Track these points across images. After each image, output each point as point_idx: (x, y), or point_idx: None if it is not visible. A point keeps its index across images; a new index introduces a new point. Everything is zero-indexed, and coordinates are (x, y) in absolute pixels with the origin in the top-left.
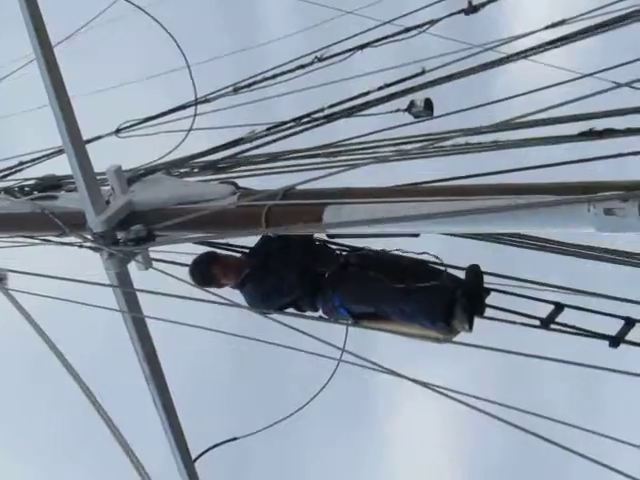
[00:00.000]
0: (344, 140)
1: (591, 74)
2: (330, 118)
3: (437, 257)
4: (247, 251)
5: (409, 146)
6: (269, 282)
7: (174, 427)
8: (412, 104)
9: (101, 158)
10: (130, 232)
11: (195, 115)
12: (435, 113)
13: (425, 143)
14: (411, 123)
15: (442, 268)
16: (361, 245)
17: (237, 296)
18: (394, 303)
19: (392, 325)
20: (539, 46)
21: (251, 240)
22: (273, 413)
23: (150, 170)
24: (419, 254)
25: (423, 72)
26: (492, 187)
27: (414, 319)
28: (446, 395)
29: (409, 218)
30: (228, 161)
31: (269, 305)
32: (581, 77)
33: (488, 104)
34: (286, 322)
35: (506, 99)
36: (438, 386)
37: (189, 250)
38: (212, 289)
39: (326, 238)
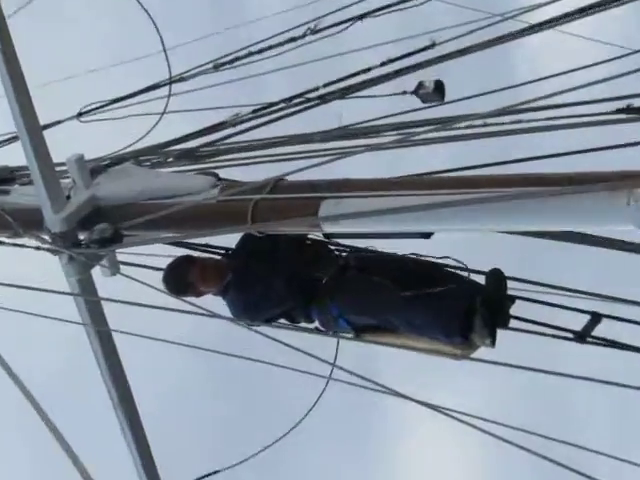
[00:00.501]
0: (342, 125)
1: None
2: (325, 99)
3: (460, 262)
4: (229, 253)
5: (416, 131)
6: (255, 290)
7: (145, 458)
8: (420, 86)
9: (61, 146)
10: (94, 232)
11: (169, 96)
12: (447, 96)
13: (435, 126)
14: (420, 109)
15: (461, 272)
16: (363, 246)
17: (218, 304)
18: (402, 313)
19: (400, 339)
20: (567, 14)
21: (234, 240)
22: (260, 437)
23: (117, 160)
24: (439, 259)
25: (433, 45)
26: (516, 178)
27: (425, 332)
28: (460, 420)
29: (419, 208)
30: (208, 149)
31: (256, 316)
32: (632, 53)
33: (512, 87)
34: (273, 334)
35: (537, 80)
36: (450, 409)
37: (163, 252)
38: (190, 298)
39: (322, 237)
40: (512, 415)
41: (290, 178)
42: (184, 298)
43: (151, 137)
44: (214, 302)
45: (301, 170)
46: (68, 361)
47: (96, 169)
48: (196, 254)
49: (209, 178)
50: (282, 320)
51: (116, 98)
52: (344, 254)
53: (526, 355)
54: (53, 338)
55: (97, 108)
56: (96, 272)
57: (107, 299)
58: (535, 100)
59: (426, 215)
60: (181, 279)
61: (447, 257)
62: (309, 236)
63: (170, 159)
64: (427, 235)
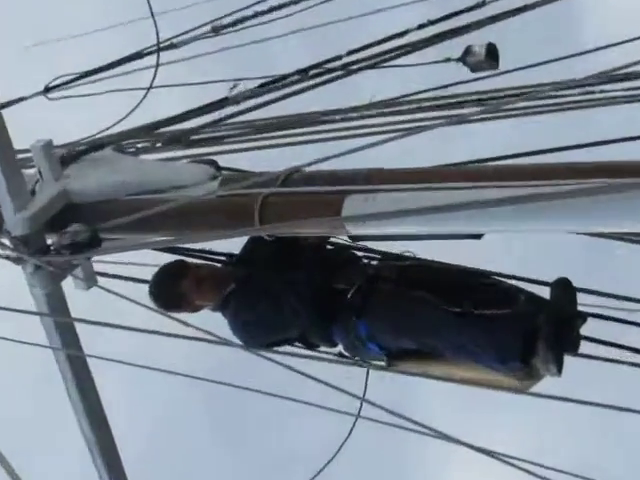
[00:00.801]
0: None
1: None
2: (350, 70)
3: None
4: (231, 259)
5: (465, 111)
6: (262, 305)
7: None
8: (468, 52)
9: (25, 129)
10: (65, 235)
11: (157, 66)
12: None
13: (490, 103)
14: (468, 81)
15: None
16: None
17: (219, 323)
18: (447, 335)
19: (444, 367)
20: None
21: (237, 244)
22: None
23: (94, 145)
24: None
25: (483, 3)
26: (593, 166)
27: (477, 358)
28: (519, 468)
29: (473, 205)
30: (205, 131)
31: (262, 338)
32: None
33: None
34: (287, 360)
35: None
36: (506, 455)
37: (150, 261)
38: (182, 314)
39: (347, 241)
40: (578, 461)
41: (308, 168)
42: (176, 314)
43: (135, 117)
44: (213, 320)
45: (321, 161)
46: (32, 394)
47: (68, 157)
48: (190, 260)
49: (207, 168)
50: (292, 344)
51: (92, 69)
52: (374, 262)
53: (599, 386)
54: (14, 364)
55: (69, 82)
56: (68, 284)
57: (81, 320)
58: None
59: (479, 213)
60: (172, 290)
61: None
62: (330, 239)
63: (159, 144)
64: (477, 236)
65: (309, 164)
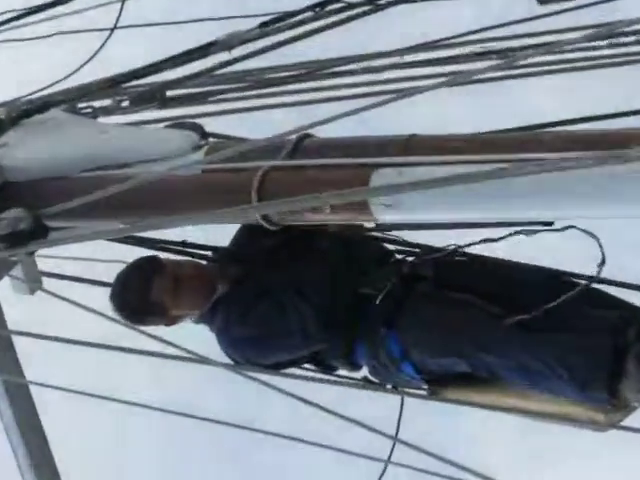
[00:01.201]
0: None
1: None
2: (378, 4)
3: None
4: (220, 254)
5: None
6: (262, 314)
7: None
8: None
9: None
10: (0, 224)
11: (123, 2)
12: None
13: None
14: (531, 18)
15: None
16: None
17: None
18: (506, 352)
19: (502, 396)
20: None
21: (227, 232)
22: None
23: (40, 105)
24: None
25: None
26: None
27: (545, 384)
28: None
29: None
30: (187, 86)
31: (262, 357)
32: None
33: None
34: (294, 387)
35: None
36: None
37: (111, 256)
38: (156, 326)
39: (373, 230)
40: None
41: (321, 133)
42: (147, 327)
43: (94, 67)
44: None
45: (338, 117)
46: None
47: (4, 121)
48: (165, 257)
49: (189, 134)
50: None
51: (38, 5)
52: (409, 257)
53: None
54: None
55: (7, 21)
56: (4, 285)
57: (20, 333)
58: None
59: (558, 190)
60: (142, 297)
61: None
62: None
63: (125, 103)
64: (547, 223)
65: (322, 122)
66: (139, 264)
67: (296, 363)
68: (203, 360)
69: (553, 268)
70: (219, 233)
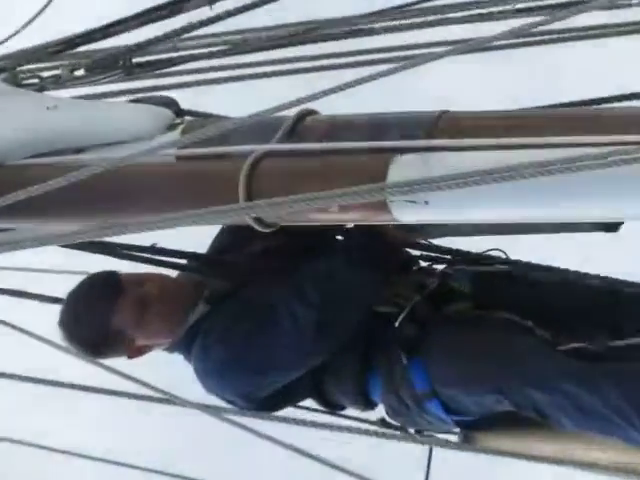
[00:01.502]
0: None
1: None
2: None
3: None
4: (199, 262)
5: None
6: (250, 325)
7: None
8: None
9: None
10: None
11: None
12: None
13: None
14: None
15: None
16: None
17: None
18: (558, 388)
19: (554, 442)
20: None
21: (209, 232)
22: None
23: None
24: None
25: None
26: None
27: (607, 427)
28: None
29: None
30: (156, 51)
31: (255, 387)
32: None
33: None
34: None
35: None
36: None
37: (60, 265)
38: (115, 359)
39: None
40: None
41: (324, 109)
42: (104, 360)
43: (42, 27)
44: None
45: (347, 86)
46: None
47: None
48: (129, 267)
49: (161, 111)
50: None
51: None
52: (439, 267)
53: None
54: None
55: None
56: None
57: None
58: None
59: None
60: (99, 325)
61: None
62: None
63: (79, 71)
64: (613, 226)
65: (327, 93)
66: (94, 282)
67: (296, 397)
68: (172, 399)
69: (619, 278)
70: (198, 234)
